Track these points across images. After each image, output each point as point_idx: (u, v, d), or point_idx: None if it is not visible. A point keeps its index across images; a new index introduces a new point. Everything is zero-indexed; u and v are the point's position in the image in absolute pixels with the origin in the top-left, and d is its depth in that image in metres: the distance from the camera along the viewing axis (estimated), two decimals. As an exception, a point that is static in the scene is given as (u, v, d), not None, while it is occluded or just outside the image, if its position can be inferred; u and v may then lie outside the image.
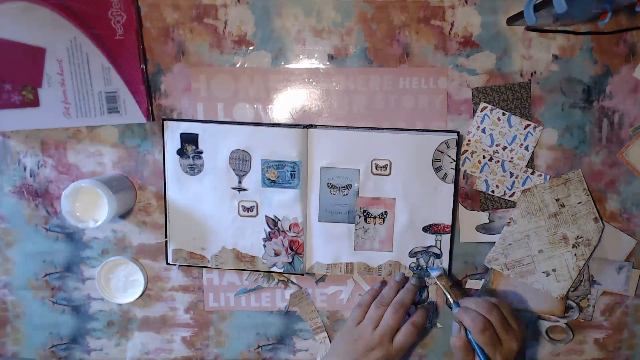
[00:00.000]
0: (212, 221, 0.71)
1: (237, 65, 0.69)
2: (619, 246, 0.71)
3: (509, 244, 0.70)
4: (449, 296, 0.66)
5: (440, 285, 0.67)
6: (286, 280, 0.74)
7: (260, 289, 0.74)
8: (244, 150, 0.69)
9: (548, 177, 0.69)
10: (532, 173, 0.69)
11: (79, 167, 0.71)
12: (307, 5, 0.67)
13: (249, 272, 0.73)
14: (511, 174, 0.70)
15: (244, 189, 0.70)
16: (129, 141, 0.71)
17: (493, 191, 0.70)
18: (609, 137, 0.69)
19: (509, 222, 0.70)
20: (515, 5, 0.66)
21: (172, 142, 0.69)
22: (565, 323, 0.73)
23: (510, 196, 0.70)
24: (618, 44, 0.67)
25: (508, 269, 0.70)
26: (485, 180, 0.70)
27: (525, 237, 0.70)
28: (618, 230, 0.71)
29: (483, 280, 0.72)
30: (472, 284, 0.73)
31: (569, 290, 0.71)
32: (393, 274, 0.71)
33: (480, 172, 0.70)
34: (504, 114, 0.68)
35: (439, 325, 0.74)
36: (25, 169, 0.72)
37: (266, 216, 0.71)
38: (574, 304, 0.72)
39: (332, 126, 0.69)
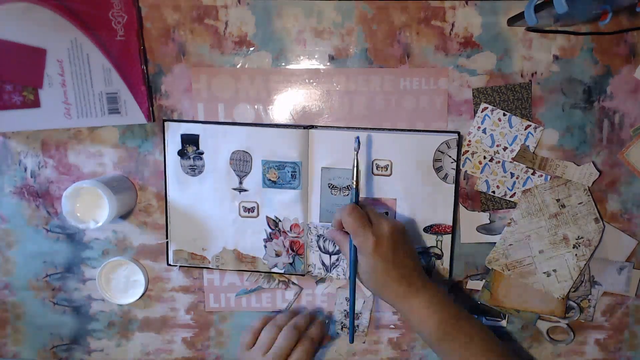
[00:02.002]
0: (213, 222, 0.71)
1: (238, 66, 0.69)
2: (620, 247, 0.71)
3: (510, 245, 0.70)
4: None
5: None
6: (287, 280, 0.74)
7: (260, 289, 0.74)
8: (244, 151, 0.69)
9: (549, 177, 0.69)
10: (533, 174, 0.69)
11: (79, 167, 0.72)
12: (308, 6, 0.67)
13: (250, 272, 0.73)
14: (512, 175, 0.70)
15: (245, 190, 0.70)
16: (129, 142, 0.71)
17: (494, 192, 0.70)
18: (609, 138, 0.69)
19: (510, 223, 0.70)
20: (515, 5, 0.66)
21: (173, 143, 0.69)
22: (566, 324, 0.73)
23: (510, 197, 0.70)
24: (619, 45, 0.67)
25: (509, 270, 0.70)
26: (486, 181, 0.70)
27: (526, 238, 0.70)
28: (619, 230, 0.71)
29: (484, 281, 0.72)
30: (473, 285, 0.73)
31: (569, 290, 0.71)
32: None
33: (481, 173, 0.70)
34: (504, 115, 0.68)
35: None
36: (25, 170, 0.72)
37: (267, 217, 0.71)
38: (574, 305, 0.72)
39: (333, 127, 0.69)
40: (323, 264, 0.72)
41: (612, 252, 0.71)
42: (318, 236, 0.71)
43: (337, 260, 0.72)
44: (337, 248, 0.71)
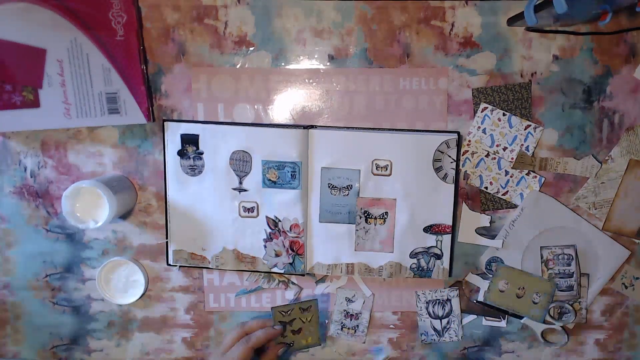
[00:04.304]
0: (213, 222, 0.71)
1: (238, 66, 0.69)
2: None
3: (602, 183, 0.68)
4: None
5: None
6: (287, 280, 0.74)
7: (260, 289, 0.74)
8: (244, 151, 0.69)
9: (543, 179, 0.69)
10: (528, 174, 0.69)
11: (79, 167, 0.71)
12: (308, 6, 0.67)
13: (250, 272, 0.73)
14: (506, 172, 0.69)
15: (245, 190, 0.70)
16: (129, 142, 0.71)
17: (487, 187, 0.70)
18: (609, 138, 0.69)
19: (607, 160, 0.68)
20: (515, 5, 0.66)
21: (173, 143, 0.69)
22: (561, 326, 0.72)
23: (503, 194, 0.70)
24: (618, 45, 0.67)
25: (595, 209, 0.69)
26: (480, 176, 0.70)
27: (619, 178, 0.68)
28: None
29: (488, 282, 0.72)
30: (472, 279, 0.72)
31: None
32: (394, 274, 0.71)
33: (476, 168, 0.70)
34: (504, 115, 0.68)
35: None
36: (25, 170, 0.72)
37: (267, 217, 0.71)
38: (570, 308, 0.71)
39: (333, 127, 0.69)
40: (434, 329, 0.73)
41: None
42: (427, 302, 0.72)
43: (448, 323, 0.73)
44: (447, 311, 0.72)
